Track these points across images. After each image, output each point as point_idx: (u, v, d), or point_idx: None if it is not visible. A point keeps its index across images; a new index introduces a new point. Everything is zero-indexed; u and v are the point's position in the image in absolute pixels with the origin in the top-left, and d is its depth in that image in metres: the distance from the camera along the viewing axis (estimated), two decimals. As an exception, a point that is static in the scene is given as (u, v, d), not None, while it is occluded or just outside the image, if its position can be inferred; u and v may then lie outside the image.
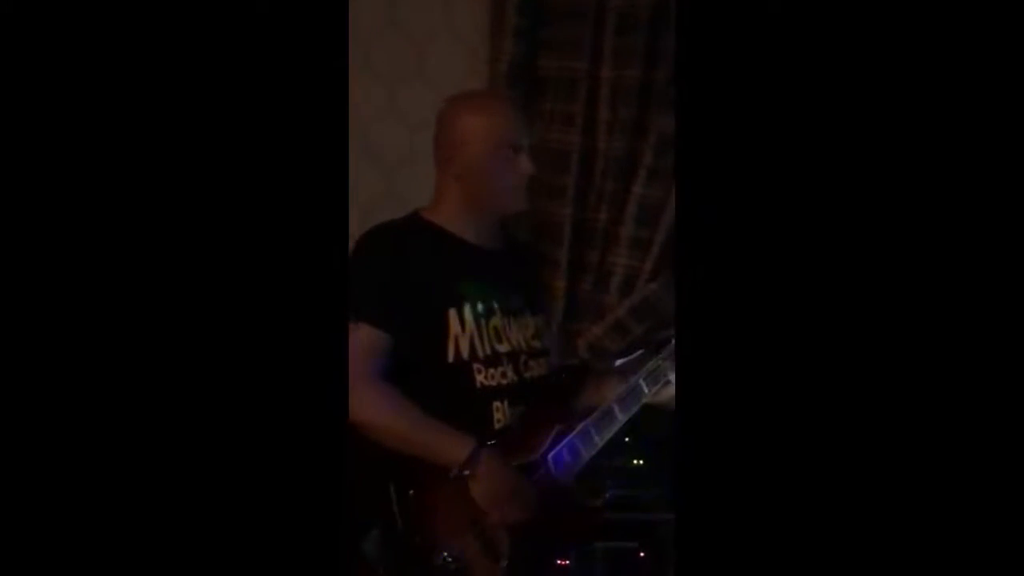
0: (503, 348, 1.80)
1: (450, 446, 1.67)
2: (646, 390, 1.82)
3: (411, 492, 1.64)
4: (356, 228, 1.63)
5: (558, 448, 1.76)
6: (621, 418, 1.81)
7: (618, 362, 2.38)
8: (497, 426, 1.75)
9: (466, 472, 1.65)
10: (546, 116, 2.41)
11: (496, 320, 1.80)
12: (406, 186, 2.29)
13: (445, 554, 1.65)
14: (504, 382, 1.78)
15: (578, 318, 2.44)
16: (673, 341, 1.82)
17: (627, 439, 2.36)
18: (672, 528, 2.27)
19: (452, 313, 1.73)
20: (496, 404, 1.76)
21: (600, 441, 1.79)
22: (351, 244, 1.70)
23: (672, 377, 1.84)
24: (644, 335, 2.46)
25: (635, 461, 2.39)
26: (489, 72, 2.43)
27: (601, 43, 2.41)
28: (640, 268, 2.47)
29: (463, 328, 1.74)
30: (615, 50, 2.40)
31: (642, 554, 2.34)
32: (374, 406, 1.61)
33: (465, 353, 1.74)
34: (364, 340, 1.64)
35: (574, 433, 1.78)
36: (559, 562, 2.13)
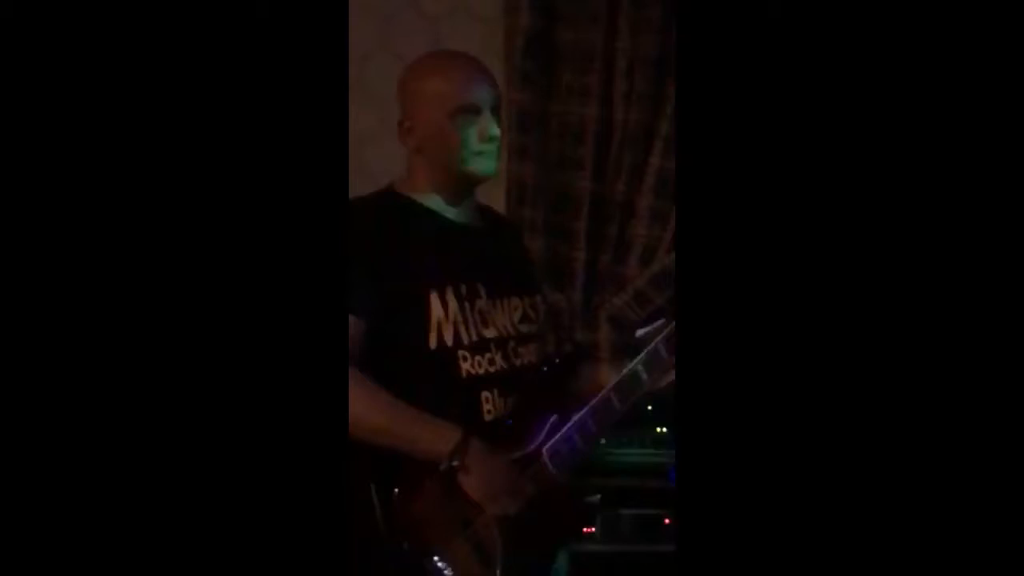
0: (490, 333, 1.67)
1: (434, 437, 1.55)
2: (645, 377, 1.67)
3: (396, 492, 1.53)
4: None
5: (554, 441, 1.65)
6: (620, 408, 1.66)
7: (639, 332, 2.16)
8: (487, 418, 1.64)
9: (455, 463, 1.54)
10: (563, 89, 2.39)
11: (481, 303, 1.67)
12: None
13: (436, 559, 1.56)
14: (492, 370, 1.66)
15: (598, 290, 2.43)
16: (665, 329, 1.69)
17: (649, 407, 2.37)
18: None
19: (434, 296, 1.61)
20: (485, 394, 1.64)
21: (599, 432, 1.68)
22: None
23: (670, 362, 1.68)
24: (665, 304, 2.44)
25: (659, 428, 2.39)
26: (505, 47, 2.42)
27: (617, 15, 2.41)
28: (659, 239, 2.47)
29: (446, 312, 1.62)
30: (631, 22, 2.40)
31: (667, 521, 2.35)
32: (351, 400, 1.34)
33: (449, 339, 1.62)
34: None
35: (570, 424, 1.65)
36: (584, 530, 2.13)
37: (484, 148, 1.63)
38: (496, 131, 1.64)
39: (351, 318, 1.47)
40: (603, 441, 1.78)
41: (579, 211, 2.45)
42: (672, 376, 1.67)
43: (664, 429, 2.41)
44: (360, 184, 1.46)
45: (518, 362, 1.68)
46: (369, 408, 1.49)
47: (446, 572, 1.55)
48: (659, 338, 1.66)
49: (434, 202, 1.66)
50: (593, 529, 2.23)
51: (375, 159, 2.11)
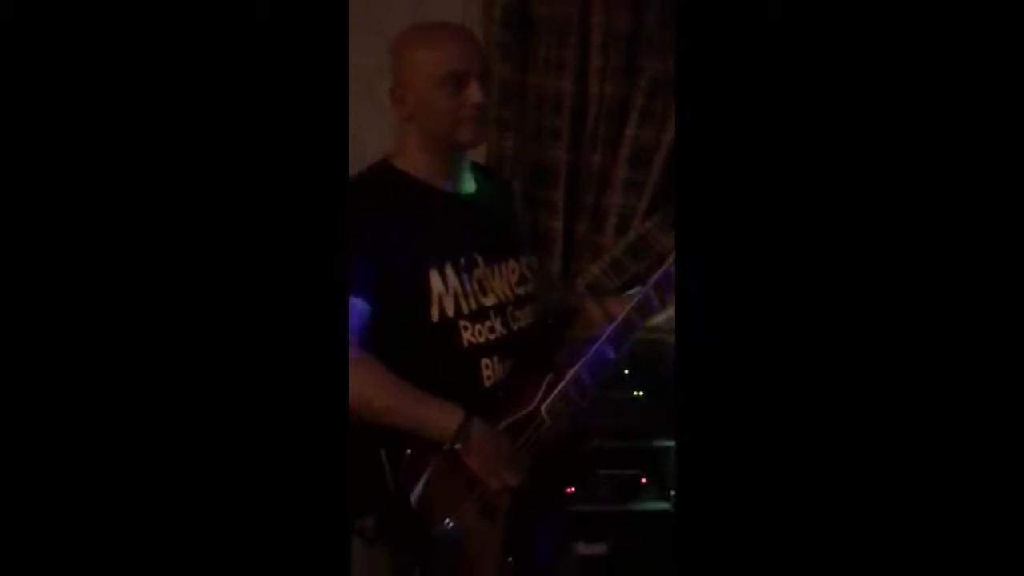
0: (489, 301, 1.71)
1: (438, 418, 1.59)
2: (639, 323, 1.72)
3: (405, 461, 1.58)
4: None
5: (551, 399, 1.68)
6: (614, 356, 1.71)
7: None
8: (487, 383, 1.68)
9: (458, 446, 1.58)
10: (540, 62, 2.41)
11: (479, 271, 1.71)
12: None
13: (447, 521, 1.61)
14: (492, 337, 1.70)
15: (576, 258, 2.47)
16: (660, 273, 1.72)
17: (626, 371, 2.44)
18: (671, 451, 2.41)
19: (433, 273, 1.64)
20: (485, 361, 1.68)
21: (593, 384, 1.71)
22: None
23: (659, 304, 1.72)
24: (641, 272, 2.49)
25: (635, 392, 2.44)
26: (483, 18, 2.42)
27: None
28: (635, 208, 2.51)
29: (446, 286, 1.65)
30: (604, 3, 2.43)
31: (644, 480, 2.45)
32: (356, 382, 1.35)
33: (450, 311, 1.66)
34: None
35: (566, 380, 1.69)
36: (566, 490, 2.13)
37: (469, 115, 1.65)
38: (481, 98, 1.65)
39: (355, 301, 1.52)
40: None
41: (556, 182, 2.48)
42: (663, 316, 1.70)
43: (640, 393, 2.46)
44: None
45: (516, 326, 1.71)
46: (376, 390, 1.53)
47: (453, 533, 1.61)
48: (649, 284, 1.70)
49: (426, 174, 1.67)
50: (572, 490, 2.26)
51: (353, 128, 2.14)
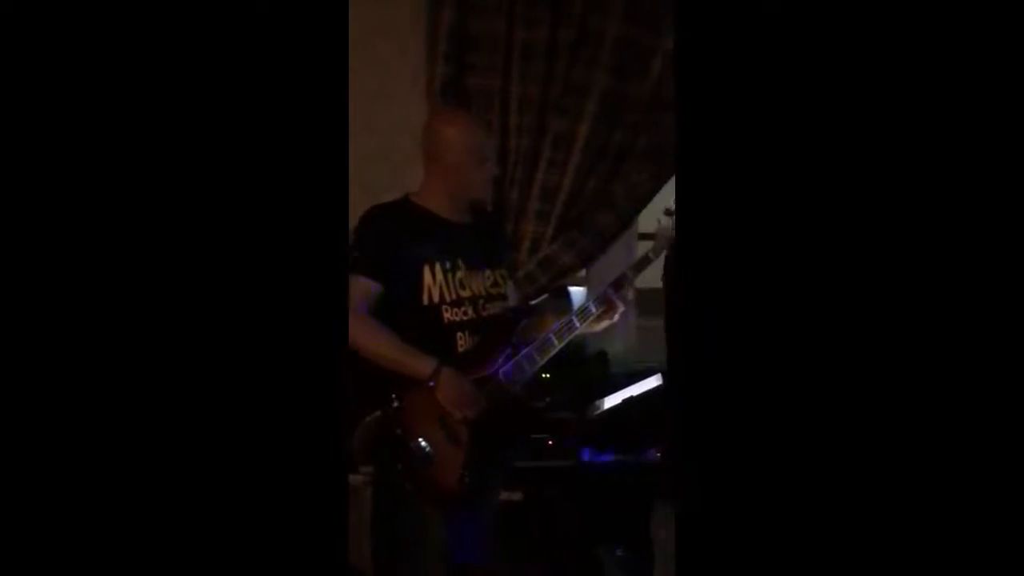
0: (465, 293, 2.09)
1: (419, 364, 2.00)
2: (577, 324, 2.12)
3: (393, 396, 1.98)
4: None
5: (507, 366, 2.09)
6: (557, 344, 2.11)
7: (531, 303, 2.80)
8: (460, 350, 2.07)
9: (431, 383, 1.97)
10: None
11: (460, 273, 2.08)
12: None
13: (420, 440, 1.99)
14: (465, 318, 2.08)
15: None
16: (603, 288, 2.13)
17: (548, 357, 2.52)
18: (572, 420, 2.90)
19: (426, 268, 2.03)
20: (459, 335, 2.08)
21: (540, 361, 2.11)
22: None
23: (597, 315, 2.13)
24: (547, 283, 2.89)
25: (544, 375, 2.58)
26: (426, 88, 2.77)
27: (510, 66, 2.81)
28: (544, 233, 2.87)
29: (434, 279, 2.04)
30: (521, 72, 2.80)
31: (550, 442, 2.81)
32: (364, 334, 1.91)
33: (436, 297, 2.05)
34: (360, 288, 1.98)
35: (520, 355, 2.10)
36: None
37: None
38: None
39: (373, 283, 1.98)
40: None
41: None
42: (599, 327, 2.17)
43: (548, 375, 2.64)
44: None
45: (485, 313, 2.13)
46: (375, 340, 1.98)
47: (426, 449, 2.02)
48: (591, 297, 2.14)
49: (438, 208, 2.11)
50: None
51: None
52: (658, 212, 2.36)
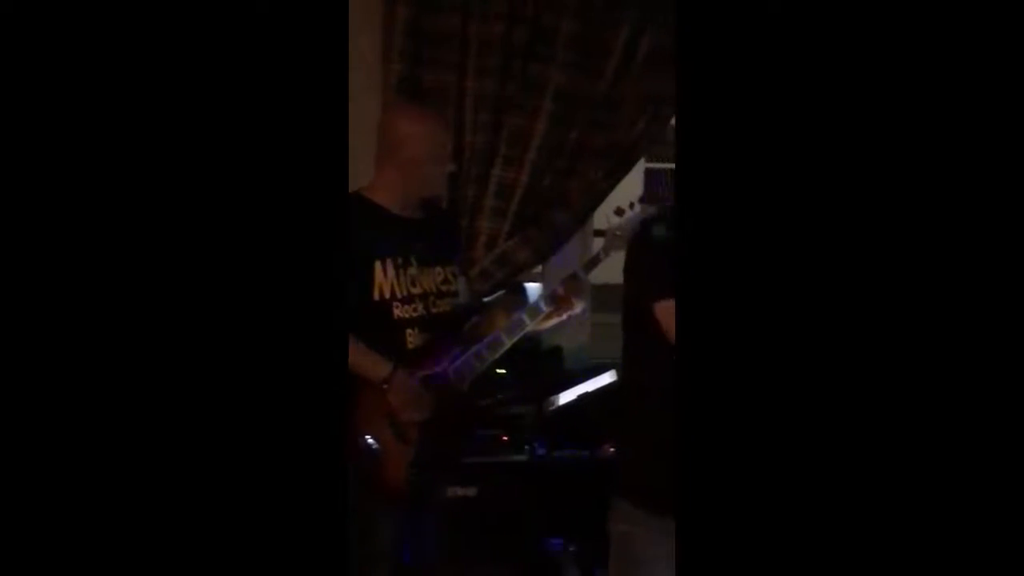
0: (416, 290, 2.11)
1: (375, 366, 2.03)
2: (527, 322, 2.18)
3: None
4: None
5: (457, 363, 2.13)
6: (507, 342, 2.16)
7: (485, 299, 2.81)
8: (409, 347, 2.10)
9: (385, 385, 2.02)
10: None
11: (412, 270, 2.10)
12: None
13: (367, 437, 2.03)
14: (415, 315, 2.11)
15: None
16: (552, 290, 2.16)
17: (498, 354, 2.58)
18: (527, 416, 2.92)
19: (378, 265, 2.05)
20: (409, 331, 2.10)
21: (490, 358, 2.16)
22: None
23: (546, 313, 2.19)
24: (503, 279, 2.88)
25: (498, 371, 2.81)
26: (383, 84, 2.77)
27: (466, 62, 2.78)
28: (499, 230, 2.86)
29: (386, 275, 2.06)
30: (477, 68, 2.77)
31: (505, 438, 2.82)
32: None
33: (387, 294, 2.07)
34: None
35: (469, 353, 2.15)
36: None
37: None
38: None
39: None
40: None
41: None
42: (548, 324, 2.18)
43: (504, 371, 2.85)
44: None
45: (435, 310, 2.16)
46: None
47: (373, 446, 2.06)
48: (540, 295, 2.16)
49: (390, 204, 2.11)
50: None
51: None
52: (615, 209, 2.39)
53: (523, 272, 2.93)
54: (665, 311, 1.65)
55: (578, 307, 2.22)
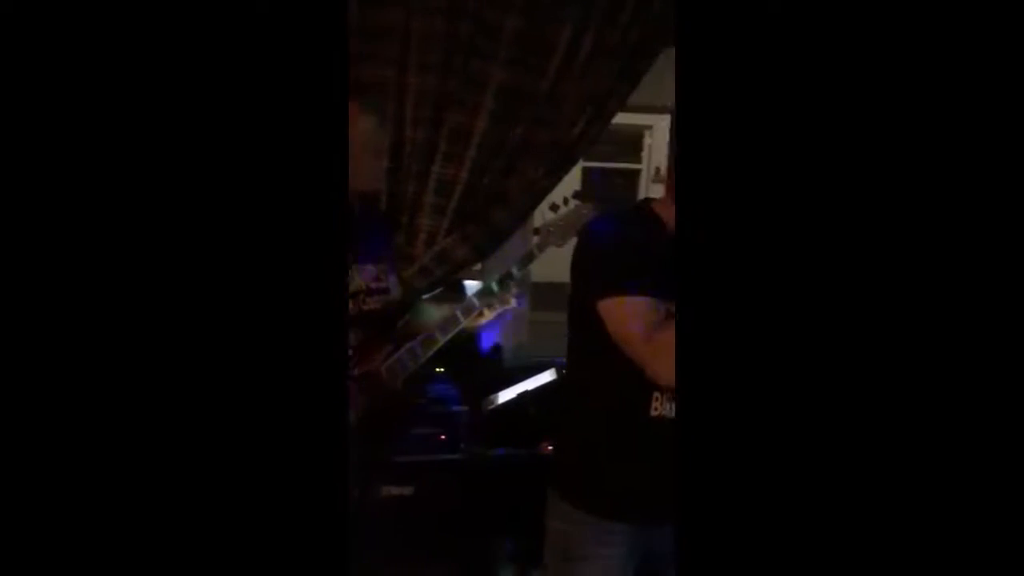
0: (349, 289, 2.07)
1: None
2: (462, 319, 2.16)
3: None
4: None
5: (390, 361, 2.11)
6: (441, 339, 2.15)
7: (424, 296, 2.80)
8: None
9: None
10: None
11: None
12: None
13: None
14: (348, 314, 2.06)
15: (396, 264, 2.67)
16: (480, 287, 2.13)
17: (432, 352, 2.64)
18: (464, 415, 2.91)
19: None
20: None
21: (423, 356, 2.15)
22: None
23: (482, 308, 2.17)
24: (443, 276, 2.87)
25: (437, 369, 2.87)
26: None
27: (407, 57, 2.73)
28: (439, 227, 2.84)
29: None
30: (418, 63, 2.74)
31: (442, 436, 2.79)
32: None
33: None
34: None
35: (403, 350, 2.14)
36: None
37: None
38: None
39: None
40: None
41: (380, 205, 2.74)
42: (483, 321, 2.15)
43: (442, 368, 2.86)
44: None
45: (366, 308, 2.12)
46: None
47: None
48: (474, 292, 2.13)
49: None
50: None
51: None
52: (550, 205, 2.37)
53: (463, 269, 2.92)
54: (608, 309, 1.65)
55: (513, 304, 2.21)
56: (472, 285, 3.01)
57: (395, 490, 2.62)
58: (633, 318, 1.59)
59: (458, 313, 2.17)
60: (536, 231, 2.68)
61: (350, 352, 2.10)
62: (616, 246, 1.67)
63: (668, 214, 1.74)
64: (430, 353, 2.16)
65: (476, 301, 2.18)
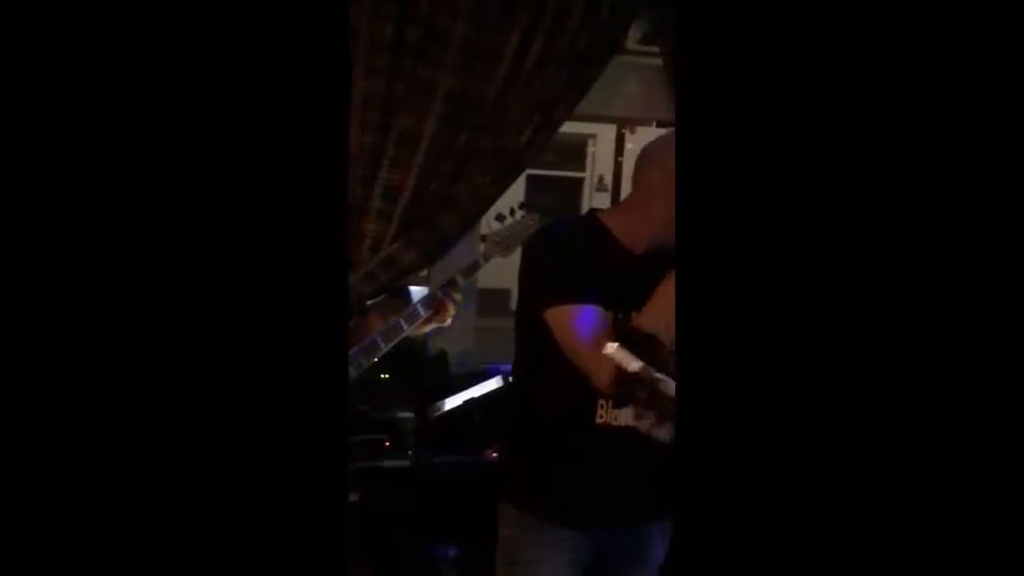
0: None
1: None
2: (405, 326, 2.17)
3: None
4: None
5: None
6: (384, 347, 2.15)
7: (369, 302, 2.77)
8: None
9: None
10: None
11: None
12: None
13: None
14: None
15: (339, 269, 2.80)
16: (427, 296, 2.12)
17: (375, 359, 2.73)
18: (410, 421, 2.91)
19: None
20: None
21: (366, 364, 2.13)
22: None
23: (426, 317, 2.15)
24: (388, 282, 2.83)
25: (382, 375, 2.87)
26: None
27: (355, 60, 2.65)
28: (384, 232, 2.81)
29: None
30: (365, 67, 2.69)
31: (387, 443, 2.81)
32: None
33: None
34: None
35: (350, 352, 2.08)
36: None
37: None
38: None
39: None
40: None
41: None
42: (426, 329, 2.14)
43: (387, 375, 2.86)
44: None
45: None
46: None
47: None
48: (418, 300, 2.14)
49: None
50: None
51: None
52: (496, 215, 2.38)
53: (409, 275, 2.91)
54: (555, 317, 1.66)
55: (455, 311, 2.21)
56: (417, 291, 3.01)
57: (340, 497, 2.61)
58: (579, 327, 1.60)
59: (401, 321, 2.19)
60: (483, 238, 2.70)
61: None
62: (563, 255, 1.69)
63: (615, 224, 1.77)
64: (373, 360, 2.16)
65: (420, 309, 2.20)
